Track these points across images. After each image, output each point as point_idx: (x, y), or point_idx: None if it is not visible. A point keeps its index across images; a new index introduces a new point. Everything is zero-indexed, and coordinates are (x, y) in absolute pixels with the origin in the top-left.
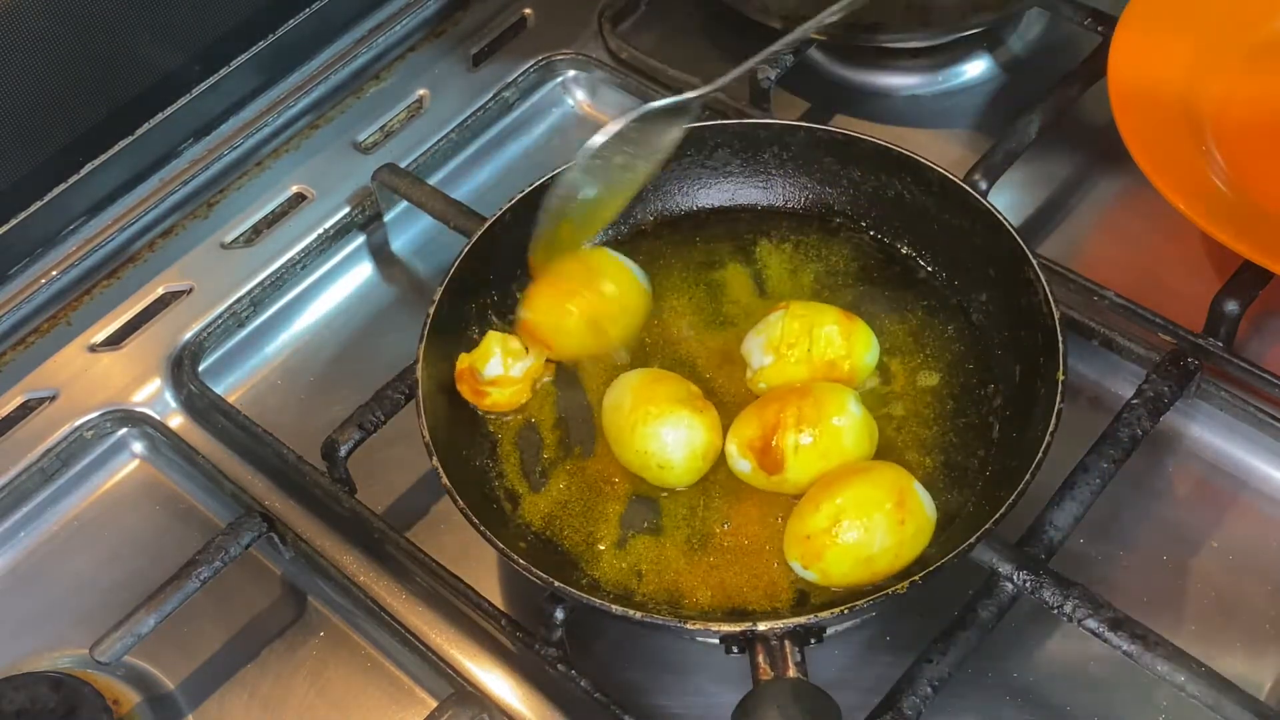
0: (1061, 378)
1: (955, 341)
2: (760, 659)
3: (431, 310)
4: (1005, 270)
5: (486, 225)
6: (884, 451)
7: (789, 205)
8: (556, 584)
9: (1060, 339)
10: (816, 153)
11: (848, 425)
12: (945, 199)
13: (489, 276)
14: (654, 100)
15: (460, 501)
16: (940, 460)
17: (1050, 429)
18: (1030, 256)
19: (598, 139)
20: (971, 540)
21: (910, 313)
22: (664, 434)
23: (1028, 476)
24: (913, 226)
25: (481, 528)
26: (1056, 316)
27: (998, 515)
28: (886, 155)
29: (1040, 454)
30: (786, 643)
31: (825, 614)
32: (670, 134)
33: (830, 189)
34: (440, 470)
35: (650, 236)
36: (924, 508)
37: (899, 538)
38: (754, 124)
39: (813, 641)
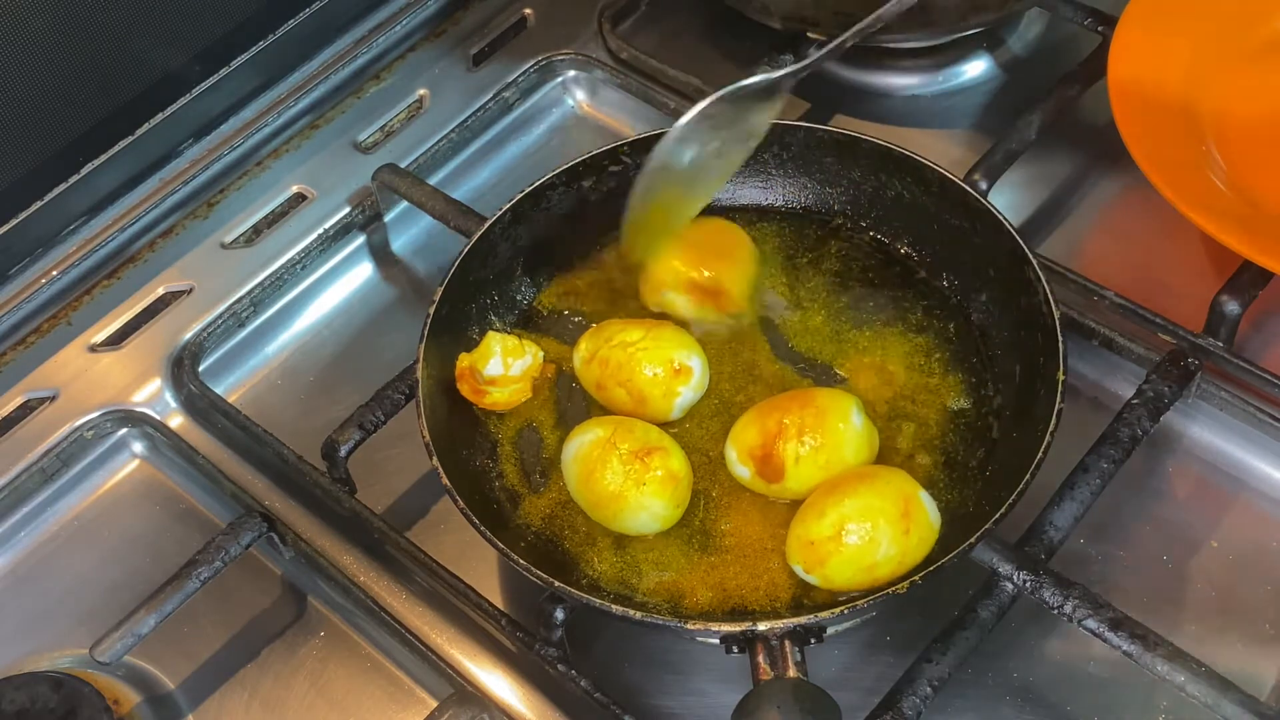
0: (1061, 377)
1: (955, 341)
2: (760, 659)
3: (431, 311)
4: (1005, 270)
5: (486, 225)
6: (884, 451)
7: (789, 205)
8: (557, 584)
9: (1060, 339)
10: (816, 153)
11: (849, 435)
12: (945, 199)
13: (489, 276)
14: (732, 83)
15: (460, 502)
16: (940, 460)
17: (1050, 429)
18: (1030, 256)
19: (688, 116)
20: (972, 540)
21: (910, 312)
22: (632, 524)
23: (1028, 476)
24: (913, 226)
25: (481, 528)
26: (1056, 316)
27: (998, 515)
28: (887, 155)
29: (1040, 454)
30: (786, 642)
31: (825, 614)
32: (760, 116)
33: (830, 189)
34: (440, 470)
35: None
36: (929, 516)
37: (903, 547)
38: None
39: (812, 641)
